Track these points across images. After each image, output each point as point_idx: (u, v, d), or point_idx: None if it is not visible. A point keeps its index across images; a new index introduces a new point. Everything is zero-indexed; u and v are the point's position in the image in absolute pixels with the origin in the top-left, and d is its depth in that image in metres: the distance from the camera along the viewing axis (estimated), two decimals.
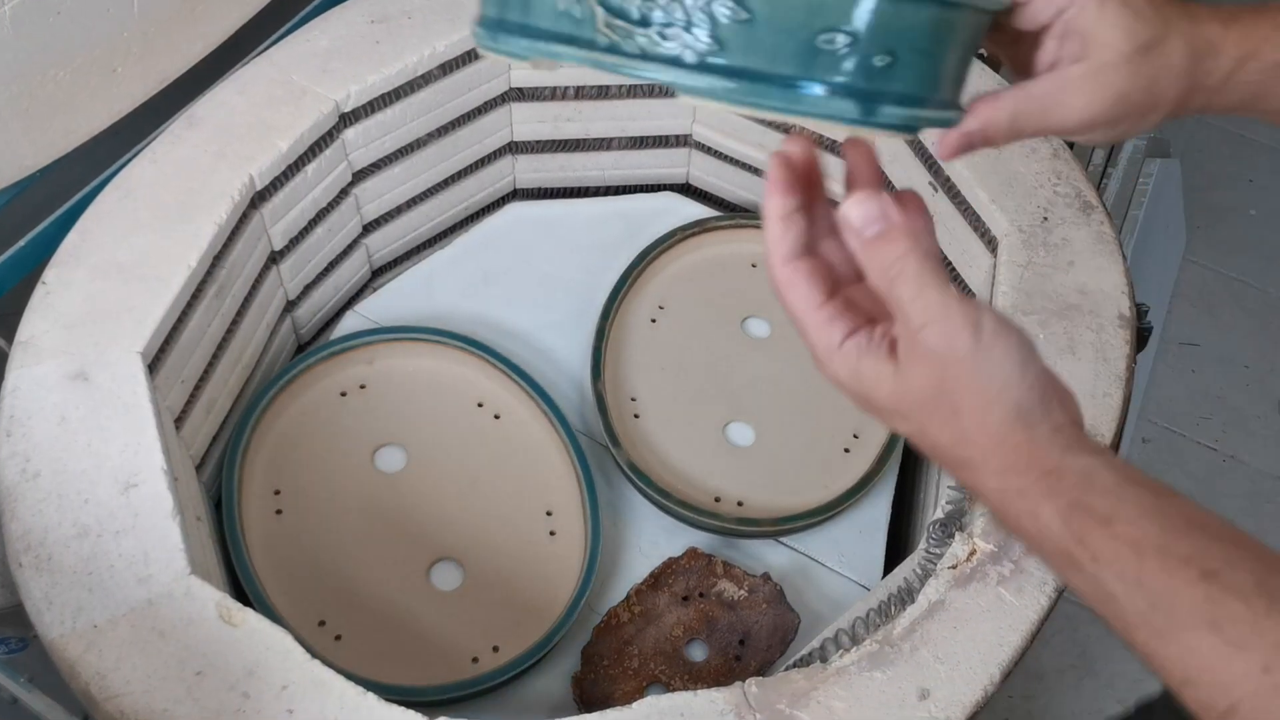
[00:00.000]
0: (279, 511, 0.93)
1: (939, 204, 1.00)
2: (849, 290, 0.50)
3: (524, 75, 1.11)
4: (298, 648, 0.69)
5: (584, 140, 1.18)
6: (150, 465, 0.75)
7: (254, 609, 0.71)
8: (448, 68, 1.04)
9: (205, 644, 0.68)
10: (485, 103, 1.10)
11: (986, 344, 0.46)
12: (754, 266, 1.13)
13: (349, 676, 0.69)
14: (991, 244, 0.95)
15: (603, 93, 1.14)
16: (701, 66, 0.46)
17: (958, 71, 0.51)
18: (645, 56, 0.46)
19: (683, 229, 1.13)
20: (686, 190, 1.24)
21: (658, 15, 0.46)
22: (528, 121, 1.15)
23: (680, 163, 1.22)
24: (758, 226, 1.16)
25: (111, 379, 0.79)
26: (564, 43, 0.47)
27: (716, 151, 1.19)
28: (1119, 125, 0.53)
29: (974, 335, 0.45)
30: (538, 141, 1.17)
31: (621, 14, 0.46)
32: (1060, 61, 0.52)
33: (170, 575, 0.71)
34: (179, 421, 0.88)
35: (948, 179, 0.99)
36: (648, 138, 1.19)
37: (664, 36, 0.46)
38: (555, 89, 1.12)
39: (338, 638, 0.88)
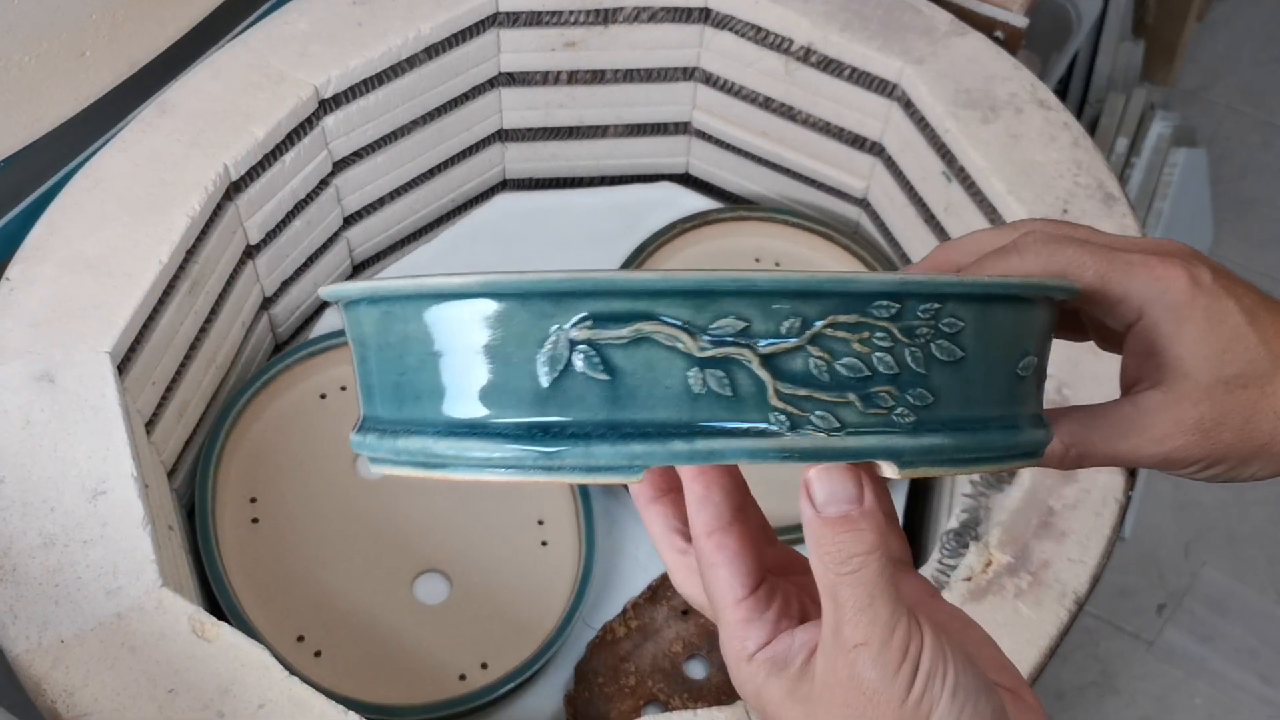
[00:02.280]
0: (255, 520, 0.94)
1: (953, 194, 1.01)
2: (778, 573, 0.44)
3: (514, 59, 1.11)
4: (275, 664, 0.69)
5: (578, 127, 1.18)
6: (119, 472, 0.76)
7: (229, 623, 0.71)
8: (434, 51, 1.04)
9: (178, 660, 0.69)
10: (473, 88, 1.10)
11: (926, 696, 0.38)
12: (757, 261, 1.14)
13: (329, 695, 0.69)
14: None
15: (598, 77, 1.14)
16: (919, 426, 0.37)
17: None
18: (845, 429, 0.36)
19: (682, 221, 1.14)
20: (686, 180, 1.24)
21: (859, 370, 0.36)
22: (518, 108, 1.15)
23: (680, 151, 1.22)
24: (762, 219, 1.16)
25: (79, 380, 0.79)
26: (718, 435, 0.35)
27: (718, 140, 1.19)
28: (1215, 466, 0.47)
29: (908, 680, 0.38)
30: (529, 129, 1.17)
31: (805, 380, 0.36)
32: (1139, 383, 0.47)
33: (141, 588, 0.71)
34: (150, 425, 0.88)
35: (962, 168, 0.99)
36: (645, 125, 1.19)
37: (869, 399, 0.36)
38: (547, 74, 1.13)
39: (317, 654, 0.88)
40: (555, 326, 0.36)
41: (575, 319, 0.35)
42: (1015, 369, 0.40)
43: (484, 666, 0.89)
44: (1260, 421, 0.46)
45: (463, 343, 0.37)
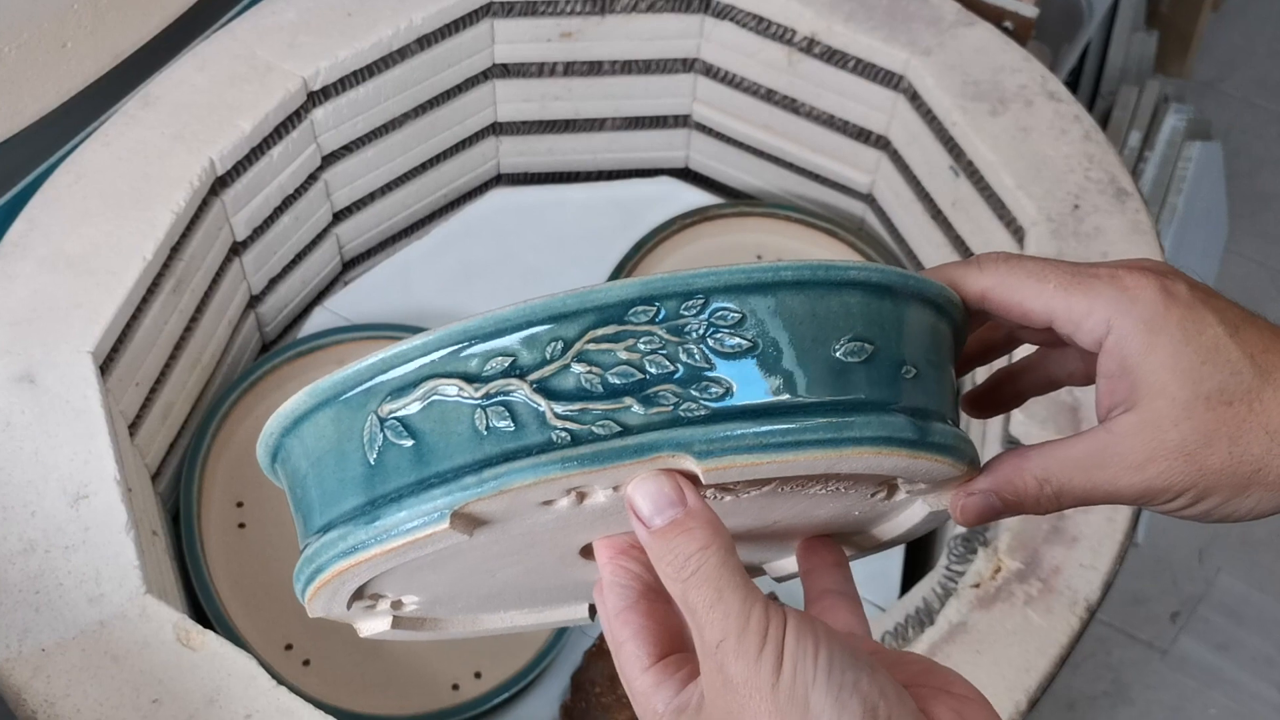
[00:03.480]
0: (242, 525, 0.94)
1: (960, 189, 1.01)
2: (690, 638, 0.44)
3: (509, 50, 1.11)
4: (262, 673, 0.69)
5: (574, 121, 1.18)
6: (102, 475, 0.76)
7: (215, 631, 0.71)
8: (426, 41, 1.04)
9: (162, 669, 0.69)
10: (467, 80, 1.10)
11: (798, 678, 0.37)
12: (759, 258, 1.14)
13: (318, 705, 0.69)
14: (1018, 233, 0.95)
15: (595, 69, 1.14)
16: (715, 416, 0.39)
17: (956, 397, 0.45)
18: (628, 431, 0.38)
19: (682, 217, 1.14)
20: (686, 175, 1.24)
21: (631, 376, 0.39)
22: (513, 100, 1.15)
23: (679, 145, 1.22)
24: (763, 214, 1.16)
25: (60, 381, 0.79)
26: (504, 461, 0.38)
27: (719, 133, 1.19)
28: (1206, 499, 0.44)
29: (774, 664, 0.37)
30: (524, 122, 1.17)
31: (580, 395, 0.38)
32: (1114, 409, 0.44)
33: (124, 594, 0.71)
34: (133, 427, 0.88)
35: (970, 162, 0.99)
36: (644, 118, 1.19)
37: (649, 400, 0.39)
38: (543, 65, 1.13)
39: (306, 663, 0.88)
40: (370, 411, 0.40)
41: (379, 399, 0.40)
42: (831, 353, 0.40)
43: (478, 676, 0.89)
44: (1250, 442, 0.43)
45: (317, 454, 0.41)
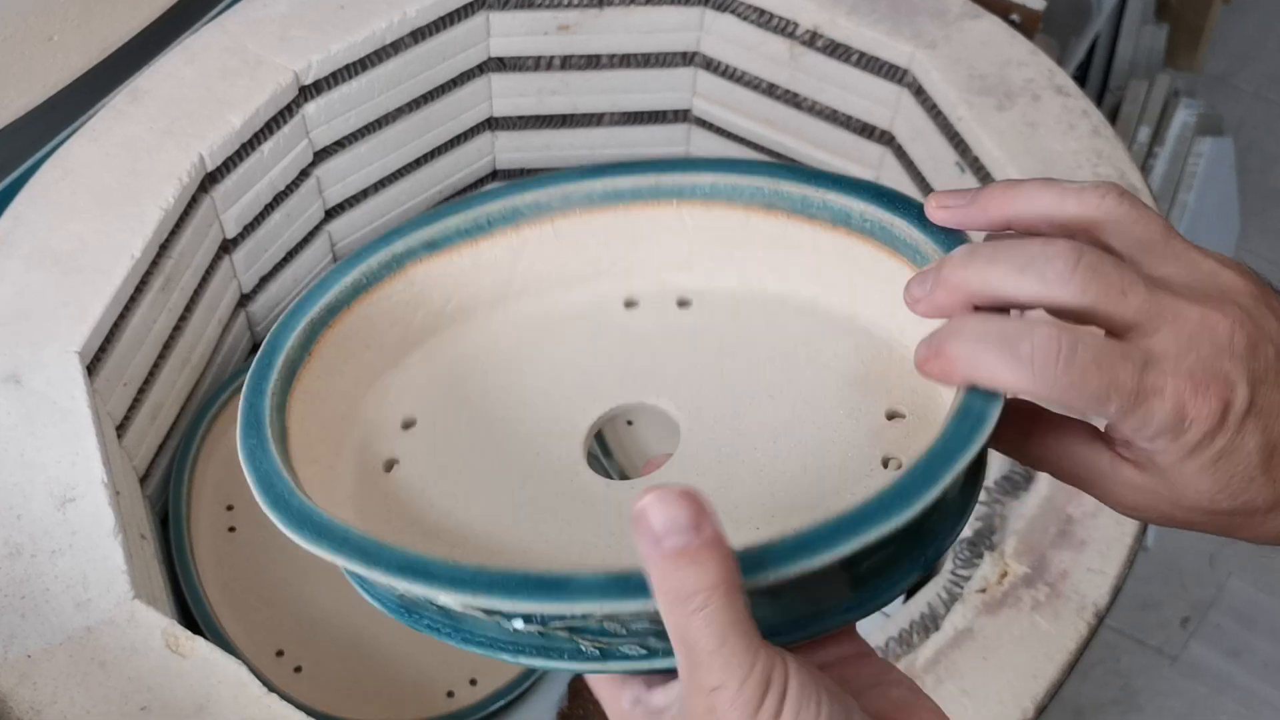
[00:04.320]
0: (232, 529, 0.93)
1: (966, 184, 1.01)
2: None
3: (505, 44, 1.11)
4: (253, 680, 0.69)
5: (572, 115, 1.18)
6: (89, 478, 0.76)
7: (205, 637, 0.71)
8: (420, 35, 1.04)
9: (151, 676, 0.69)
10: (462, 74, 1.10)
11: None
12: None
13: (310, 712, 0.69)
14: None
15: (593, 62, 1.14)
16: None
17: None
18: (653, 654, 0.41)
19: None
20: None
21: (657, 623, 0.39)
22: (509, 95, 1.15)
23: (679, 140, 1.22)
24: None
25: (46, 382, 0.79)
26: (538, 653, 0.43)
27: (719, 128, 1.19)
28: (1181, 528, 0.47)
29: (775, 709, 0.37)
30: (520, 117, 1.17)
31: (605, 633, 0.41)
32: (1123, 449, 0.45)
33: (112, 600, 0.71)
34: (121, 429, 0.88)
35: (976, 158, 0.99)
36: (643, 113, 1.19)
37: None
38: (540, 59, 1.13)
39: (298, 669, 0.88)
40: (398, 590, 0.45)
41: (402, 588, 0.44)
42: (855, 572, 0.42)
43: (473, 683, 0.89)
44: (1233, 534, 0.46)
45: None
